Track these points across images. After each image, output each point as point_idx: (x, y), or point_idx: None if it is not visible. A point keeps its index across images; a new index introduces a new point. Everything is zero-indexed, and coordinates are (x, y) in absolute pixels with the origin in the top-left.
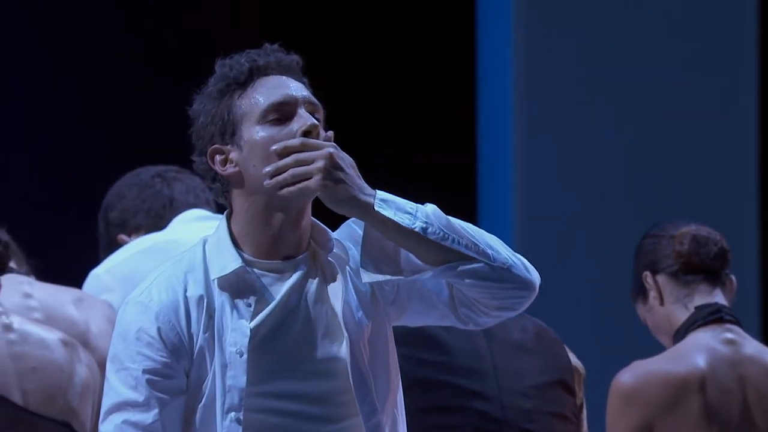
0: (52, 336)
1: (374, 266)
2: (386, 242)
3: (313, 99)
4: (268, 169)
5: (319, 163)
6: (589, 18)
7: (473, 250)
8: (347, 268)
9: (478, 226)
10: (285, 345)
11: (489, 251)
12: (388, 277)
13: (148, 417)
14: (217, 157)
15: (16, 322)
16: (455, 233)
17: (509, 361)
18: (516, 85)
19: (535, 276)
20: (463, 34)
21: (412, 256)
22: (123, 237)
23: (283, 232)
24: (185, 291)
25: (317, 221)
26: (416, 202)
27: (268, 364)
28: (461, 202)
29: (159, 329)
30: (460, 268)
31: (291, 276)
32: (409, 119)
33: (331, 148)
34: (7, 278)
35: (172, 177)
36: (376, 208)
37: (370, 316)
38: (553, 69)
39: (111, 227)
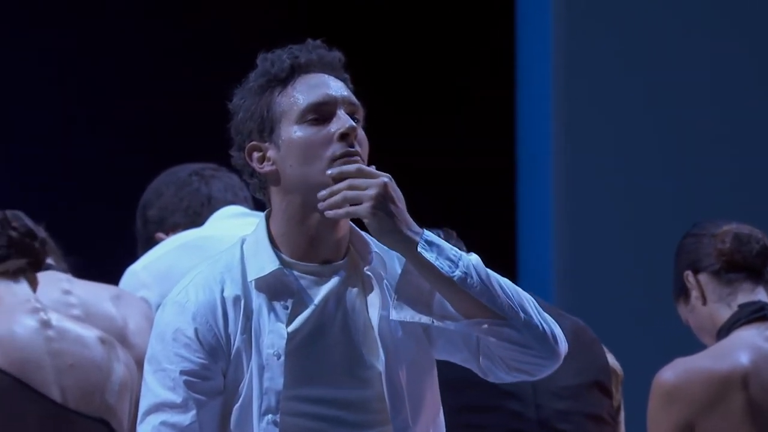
0: (90, 334)
1: (406, 304)
2: (423, 282)
3: (353, 99)
4: (323, 193)
5: (372, 191)
6: (628, 20)
7: (506, 310)
8: (385, 282)
9: (517, 229)
10: (322, 349)
11: (521, 314)
12: (418, 318)
13: (186, 418)
14: (255, 154)
15: (55, 318)
16: (492, 289)
17: None
18: (555, 86)
19: (562, 346)
20: (502, 35)
21: (446, 301)
22: (161, 235)
23: (320, 233)
24: (222, 291)
25: (360, 231)
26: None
27: (305, 368)
28: (500, 206)
29: (196, 330)
30: (490, 326)
31: (329, 280)
32: (447, 120)
33: (386, 178)
34: (46, 275)
35: (210, 175)
36: (418, 249)
37: (405, 332)
38: (593, 69)
39: (149, 225)
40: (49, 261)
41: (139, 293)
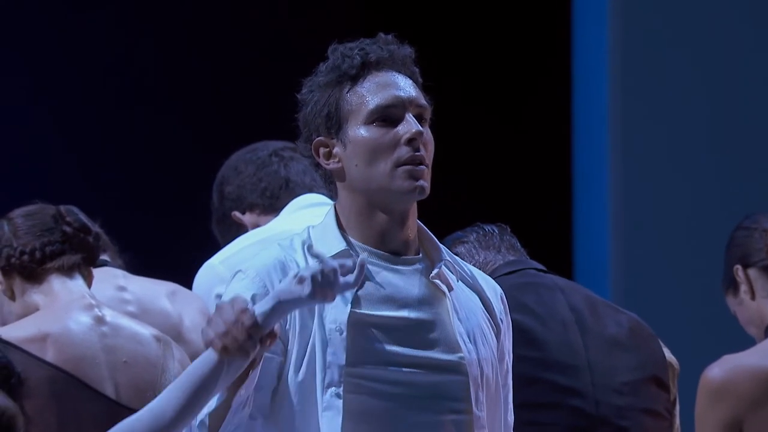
0: (144, 331)
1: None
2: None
3: (421, 100)
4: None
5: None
6: (686, 20)
7: None
8: (460, 282)
9: (574, 225)
10: (389, 332)
11: None
12: None
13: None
14: (321, 150)
15: (109, 315)
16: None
17: (604, 356)
18: (611, 81)
19: None
20: (559, 33)
21: None
22: (237, 214)
23: (388, 229)
24: (287, 267)
25: (432, 235)
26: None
27: (369, 347)
28: (556, 202)
29: (254, 296)
30: None
31: (398, 269)
32: (505, 115)
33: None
34: (101, 271)
35: (290, 156)
36: None
37: (479, 334)
38: (649, 71)
39: (225, 201)
40: (105, 257)
41: (217, 288)
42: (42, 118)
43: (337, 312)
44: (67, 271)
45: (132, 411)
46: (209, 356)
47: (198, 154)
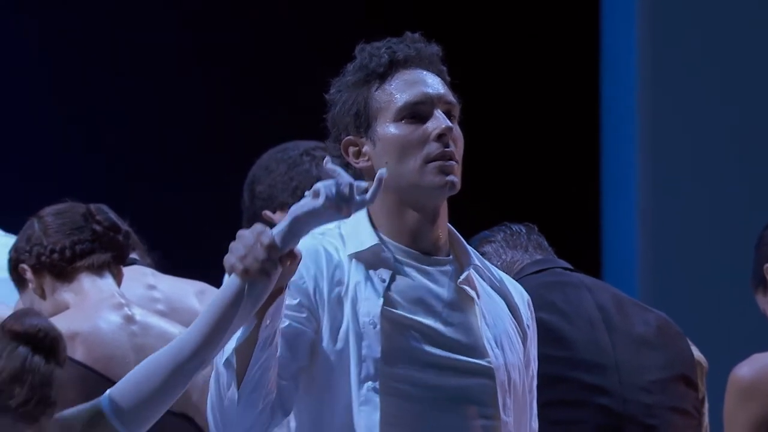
0: (174, 330)
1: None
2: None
3: (450, 97)
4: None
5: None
6: (715, 22)
7: None
8: (488, 287)
9: (602, 224)
10: (416, 331)
11: None
12: None
13: (284, 321)
14: (351, 149)
15: (138, 314)
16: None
17: (631, 355)
18: (640, 79)
19: None
20: (586, 33)
21: None
22: (268, 213)
23: (419, 228)
24: (320, 252)
25: (462, 239)
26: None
27: (398, 346)
28: (585, 201)
29: (287, 286)
30: None
31: (429, 268)
32: (533, 115)
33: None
34: (131, 270)
35: (321, 156)
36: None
37: (506, 339)
38: (678, 68)
39: (256, 200)
40: (134, 256)
41: None
42: (73, 117)
43: (370, 305)
44: (97, 270)
45: None
46: (230, 282)
47: (227, 153)
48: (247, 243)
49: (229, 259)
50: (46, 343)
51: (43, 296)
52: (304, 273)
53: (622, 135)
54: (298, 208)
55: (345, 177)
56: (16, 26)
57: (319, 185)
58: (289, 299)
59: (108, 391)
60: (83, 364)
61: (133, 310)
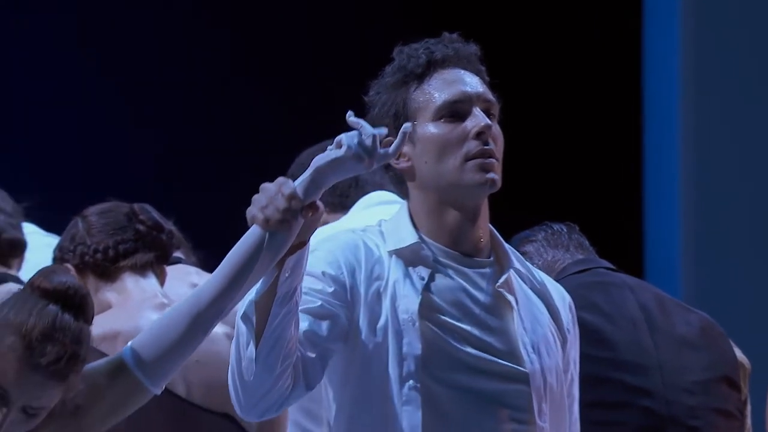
0: (217, 329)
1: None
2: None
3: (489, 96)
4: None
5: None
6: (759, 20)
7: None
8: (529, 291)
9: (644, 226)
10: (452, 333)
11: None
12: None
13: (317, 301)
14: None
15: None
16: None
17: (674, 356)
18: (683, 84)
19: None
20: (629, 32)
21: None
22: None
23: (460, 228)
24: (359, 246)
25: (503, 242)
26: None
27: (435, 346)
28: (627, 202)
29: (324, 272)
30: None
31: (469, 270)
32: (574, 113)
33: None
34: (175, 268)
35: None
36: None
37: (544, 344)
38: (721, 65)
39: None
40: (179, 254)
41: None
42: (119, 117)
43: (408, 302)
44: (140, 270)
45: (203, 410)
46: (251, 232)
47: (270, 153)
48: (269, 194)
49: (250, 211)
50: (76, 301)
51: None
52: (342, 265)
53: (665, 133)
54: (320, 159)
55: (368, 129)
56: (58, 21)
57: (341, 136)
58: (325, 287)
59: (129, 343)
60: None
61: None
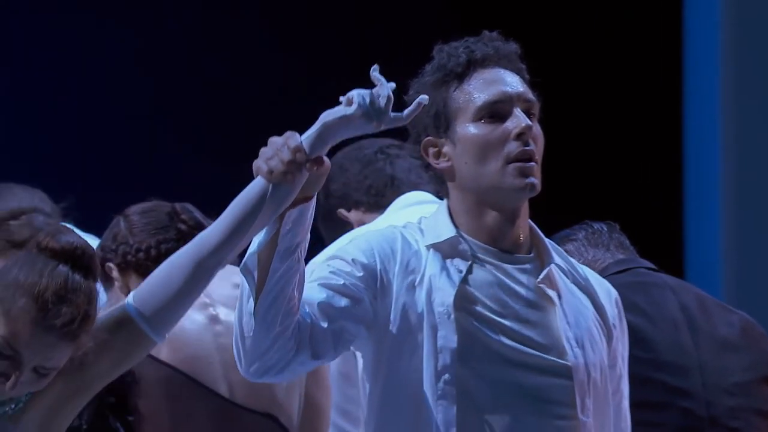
0: None
1: None
2: None
3: (529, 95)
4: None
5: None
6: None
7: None
8: (571, 285)
9: (685, 226)
10: (491, 327)
11: None
12: None
13: (341, 280)
14: (431, 150)
15: (223, 313)
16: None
17: (714, 357)
18: (724, 83)
19: None
20: (669, 30)
21: None
22: (342, 212)
23: (499, 227)
24: (396, 239)
25: (543, 237)
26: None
27: (473, 340)
28: (667, 202)
29: (353, 259)
30: None
31: (508, 266)
32: (615, 112)
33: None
34: None
35: (396, 154)
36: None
37: (588, 338)
38: (762, 63)
39: (331, 198)
40: None
41: None
42: (161, 118)
43: (444, 295)
44: None
45: (246, 409)
46: (255, 183)
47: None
48: (275, 146)
49: (256, 162)
50: (85, 261)
51: (128, 295)
52: (376, 254)
53: (706, 132)
54: (328, 114)
55: (385, 89)
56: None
57: (353, 93)
58: (354, 271)
59: (131, 294)
60: (168, 365)
61: (218, 309)
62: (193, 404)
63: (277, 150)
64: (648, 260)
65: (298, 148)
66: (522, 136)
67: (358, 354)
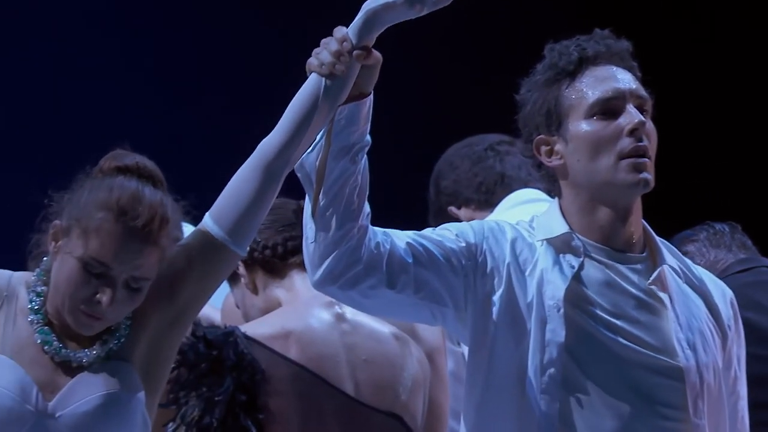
0: (383, 329)
1: None
2: None
3: (642, 92)
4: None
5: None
6: None
7: None
8: (685, 285)
9: None
10: (601, 324)
11: None
12: None
13: (438, 239)
14: (543, 148)
15: (349, 312)
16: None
17: None
18: None
19: None
20: None
21: None
22: (453, 209)
23: (611, 225)
24: (506, 231)
25: (656, 237)
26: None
27: (582, 336)
28: None
29: (468, 242)
30: None
31: (621, 266)
32: (733, 117)
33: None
34: None
35: (505, 151)
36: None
37: (700, 340)
38: None
39: (441, 196)
40: None
41: None
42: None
43: (554, 288)
44: None
45: (371, 409)
46: (309, 80)
47: (412, 150)
48: (324, 42)
49: (309, 61)
50: (147, 173)
51: (255, 291)
52: (484, 238)
53: None
54: (372, 2)
55: None
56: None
57: None
58: (457, 242)
59: (208, 213)
60: (297, 363)
61: (343, 308)
62: (320, 402)
63: (325, 43)
64: None
65: (344, 38)
66: (635, 132)
67: (466, 351)
